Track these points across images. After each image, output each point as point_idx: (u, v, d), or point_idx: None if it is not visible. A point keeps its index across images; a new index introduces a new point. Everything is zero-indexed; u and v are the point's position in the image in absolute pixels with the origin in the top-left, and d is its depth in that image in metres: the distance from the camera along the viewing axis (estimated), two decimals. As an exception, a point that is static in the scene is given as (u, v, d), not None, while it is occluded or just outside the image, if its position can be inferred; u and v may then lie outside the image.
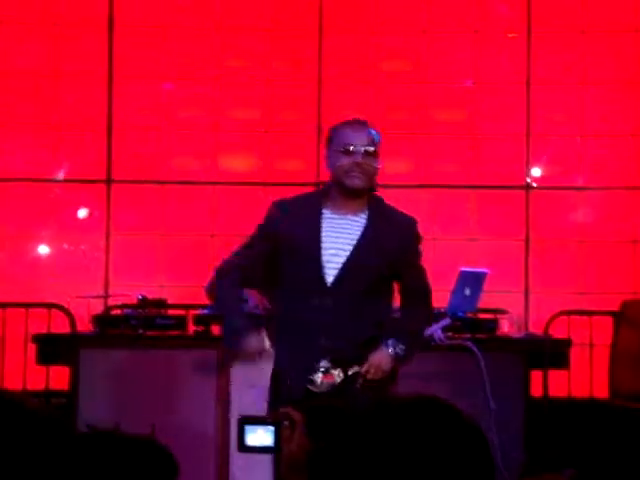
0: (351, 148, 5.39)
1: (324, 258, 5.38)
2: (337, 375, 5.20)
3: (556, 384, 8.48)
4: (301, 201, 5.67)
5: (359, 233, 5.43)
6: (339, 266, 5.36)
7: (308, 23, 9.96)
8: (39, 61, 9.85)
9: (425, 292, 5.67)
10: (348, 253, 5.39)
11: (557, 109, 9.94)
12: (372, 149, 5.42)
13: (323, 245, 5.40)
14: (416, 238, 5.64)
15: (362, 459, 2.16)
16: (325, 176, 5.93)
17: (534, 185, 9.91)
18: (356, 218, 5.47)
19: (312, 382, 5.18)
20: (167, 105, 9.92)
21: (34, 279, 9.67)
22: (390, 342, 5.34)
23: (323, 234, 5.43)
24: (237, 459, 6.66)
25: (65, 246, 9.78)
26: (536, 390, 7.91)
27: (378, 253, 5.41)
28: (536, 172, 9.93)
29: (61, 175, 9.87)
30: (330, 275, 5.35)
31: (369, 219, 5.48)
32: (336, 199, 5.47)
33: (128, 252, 9.84)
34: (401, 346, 5.32)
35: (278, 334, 5.56)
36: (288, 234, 5.43)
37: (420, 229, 5.71)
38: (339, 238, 5.44)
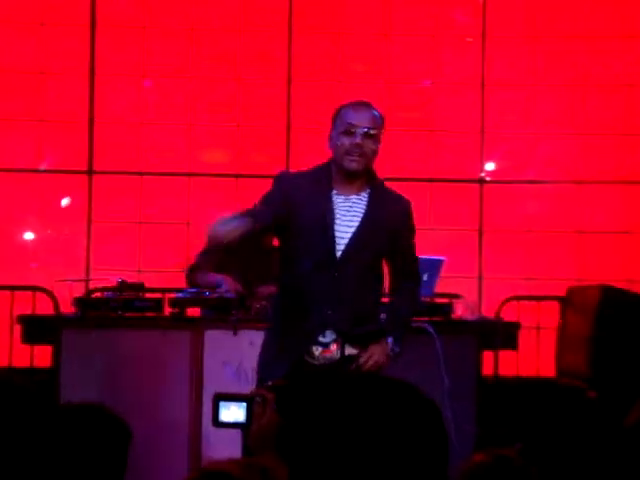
0: (352, 129, 5.29)
1: (336, 234, 5.31)
2: (335, 352, 5.15)
3: (506, 364, 8.53)
4: (309, 178, 5.52)
5: (363, 212, 5.37)
6: (347, 242, 5.30)
7: (278, 24, 9.96)
8: (25, 58, 9.82)
9: (418, 273, 5.66)
10: (354, 229, 5.33)
11: (509, 109, 9.98)
12: (373, 131, 5.32)
13: (334, 223, 5.32)
14: (412, 217, 5.57)
15: (323, 434, 2.18)
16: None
17: (487, 179, 9.96)
18: (359, 198, 5.40)
19: (310, 352, 5.15)
20: (145, 101, 9.91)
21: (19, 264, 9.65)
22: (390, 340, 5.30)
23: (334, 214, 5.35)
24: (209, 435, 6.67)
25: (49, 232, 9.78)
26: (487, 369, 7.91)
27: (381, 230, 5.37)
28: (489, 167, 9.98)
29: (44, 166, 9.87)
30: (339, 250, 5.30)
31: (370, 198, 5.41)
32: (340, 180, 5.39)
33: (108, 239, 9.83)
34: (398, 346, 5.32)
35: (280, 302, 5.52)
36: (300, 210, 5.34)
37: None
38: (346, 217, 5.36)
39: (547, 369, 8.89)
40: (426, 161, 9.96)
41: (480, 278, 9.83)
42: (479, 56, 9.98)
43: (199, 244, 7.83)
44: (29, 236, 9.84)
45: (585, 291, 8.69)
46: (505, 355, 8.38)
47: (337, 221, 5.36)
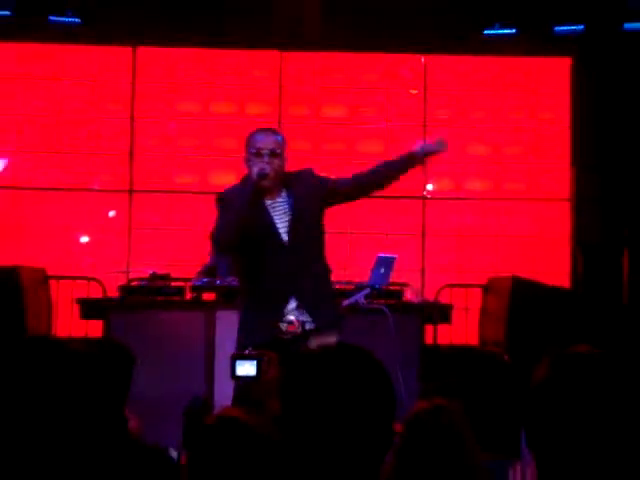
0: (260, 151, 4.89)
1: (279, 229, 4.92)
2: (298, 327, 4.86)
3: (442, 335, 8.56)
4: (240, 191, 4.98)
5: (289, 208, 4.97)
6: (286, 232, 4.91)
7: (271, 93, 10.00)
8: (80, 107, 9.86)
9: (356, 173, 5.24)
10: (288, 223, 4.94)
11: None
12: (278, 151, 4.93)
13: (275, 222, 4.93)
14: (317, 176, 5.17)
15: (305, 388, 2.12)
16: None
17: (428, 196, 9.95)
18: (282, 198, 4.98)
19: (279, 329, 4.88)
20: (171, 138, 9.94)
21: (78, 260, 9.68)
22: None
23: (272, 215, 4.93)
24: (220, 400, 6.52)
25: (99, 236, 9.80)
26: (429, 339, 7.92)
27: (309, 208, 5.01)
28: (429, 187, 9.99)
29: (96, 186, 9.90)
30: (285, 240, 4.91)
31: (288, 194, 4.99)
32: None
33: (144, 241, 9.84)
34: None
35: (248, 289, 5.10)
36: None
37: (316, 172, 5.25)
38: (282, 215, 4.97)
39: (473, 339, 8.97)
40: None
41: (423, 271, 9.79)
42: (422, 103, 9.99)
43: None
44: (84, 239, 9.84)
45: (501, 280, 8.72)
46: (442, 329, 8.36)
47: (275, 220, 4.95)
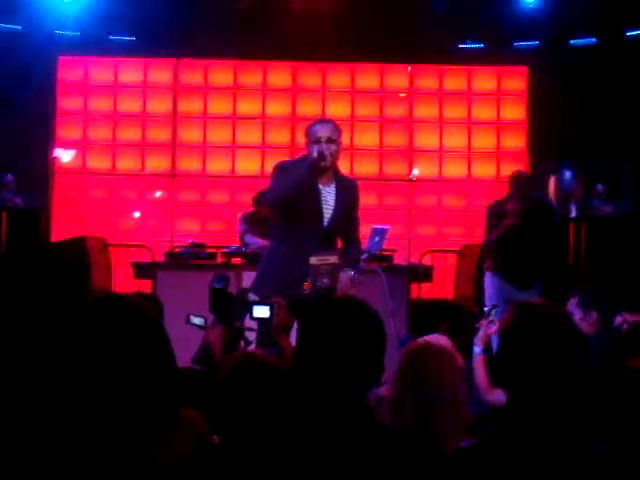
0: (317, 139, 4.68)
1: (324, 212, 4.72)
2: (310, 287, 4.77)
3: (425, 291, 8.67)
4: (299, 165, 4.80)
5: (334, 199, 4.76)
6: (329, 218, 4.71)
7: (287, 95, 10.02)
8: (136, 105, 9.90)
9: (358, 235, 5.06)
10: (331, 211, 4.73)
11: (429, 136, 10.03)
12: (334, 137, 4.71)
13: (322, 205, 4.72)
14: (357, 195, 4.97)
15: (318, 329, 2.14)
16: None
17: (414, 179, 9.90)
18: (330, 187, 4.78)
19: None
20: (207, 131, 9.96)
21: (132, 231, 9.72)
22: (353, 272, 4.63)
23: (322, 199, 4.74)
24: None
25: (149, 212, 9.87)
26: (414, 295, 7.98)
27: (345, 207, 4.79)
28: (415, 172, 9.96)
29: (146, 171, 9.93)
30: (325, 223, 4.71)
31: (337, 187, 4.81)
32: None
33: (184, 216, 9.88)
34: (357, 274, 4.69)
35: (277, 250, 4.85)
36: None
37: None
38: (329, 201, 4.76)
39: (449, 294, 9.00)
40: (380, 167, 9.99)
41: (409, 239, 9.78)
42: (411, 105, 10.00)
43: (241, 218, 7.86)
44: (137, 214, 9.88)
45: (472, 247, 8.72)
46: (425, 286, 8.48)
47: (323, 205, 4.77)
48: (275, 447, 2.03)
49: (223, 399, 2.51)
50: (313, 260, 4.35)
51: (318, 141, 4.69)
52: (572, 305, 4.54)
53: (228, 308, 3.85)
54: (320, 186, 4.79)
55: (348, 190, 4.91)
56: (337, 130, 4.80)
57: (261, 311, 3.85)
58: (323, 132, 4.73)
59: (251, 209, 7.80)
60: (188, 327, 3.96)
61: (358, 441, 2.02)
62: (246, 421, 2.42)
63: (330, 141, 4.70)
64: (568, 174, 9.35)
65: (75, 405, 1.95)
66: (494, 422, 2.28)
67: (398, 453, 2.00)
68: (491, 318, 4.08)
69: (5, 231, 9.09)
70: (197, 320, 3.97)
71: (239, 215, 8.00)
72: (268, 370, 2.52)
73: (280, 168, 4.84)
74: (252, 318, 3.90)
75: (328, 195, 4.82)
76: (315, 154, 4.68)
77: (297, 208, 4.73)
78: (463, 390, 2.99)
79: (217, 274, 4.12)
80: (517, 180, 6.65)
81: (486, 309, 4.16)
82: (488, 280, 6.53)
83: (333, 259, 4.43)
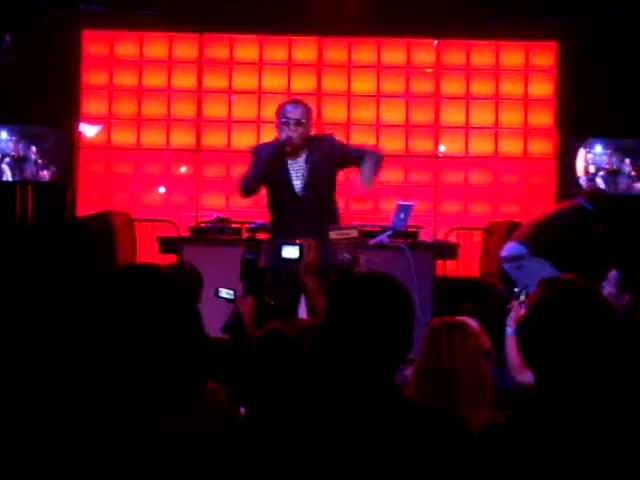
0: (285, 119, 4.85)
1: (294, 184, 4.94)
2: None
3: (450, 268, 8.64)
4: (270, 147, 5.00)
5: (304, 167, 4.95)
6: (300, 186, 4.93)
7: (311, 71, 9.96)
8: (161, 80, 9.90)
9: (366, 150, 5.21)
10: (302, 179, 4.95)
11: (455, 112, 9.95)
12: (303, 120, 4.87)
13: (292, 178, 4.93)
14: (337, 142, 5.14)
15: (347, 303, 2.11)
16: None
17: (440, 155, 9.89)
18: (301, 158, 4.95)
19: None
20: (231, 107, 9.94)
21: (157, 206, 9.74)
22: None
23: (290, 172, 4.93)
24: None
25: (174, 186, 9.87)
26: (439, 272, 7.94)
27: (323, 167, 4.98)
28: (441, 148, 9.94)
29: (172, 146, 9.93)
30: (298, 192, 4.94)
31: (307, 155, 4.95)
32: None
33: (209, 191, 9.88)
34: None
35: (272, 224, 5.16)
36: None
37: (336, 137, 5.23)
38: (298, 172, 4.95)
39: (475, 272, 8.97)
40: (406, 143, 9.93)
41: (435, 216, 9.71)
42: (438, 81, 9.93)
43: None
44: (162, 189, 9.90)
45: (498, 224, 8.72)
46: (450, 263, 8.45)
47: (292, 176, 4.95)
48: (302, 424, 2.02)
49: (248, 375, 2.50)
50: (333, 234, 4.39)
51: (287, 123, 4.86)
52: (611, 279, 4.50)
53: (258, 279, 3.88)
54: (291, 161, 4.96)
55: (321, 149, 5.00)
56: (308, 112, 4.96)
57: (290, 251, 3.88)
58: (292, 114, 4.88)
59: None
60: (214, 301, 3.99)
61: (385, 417, 2.00)
62: (272, 398, 2.41)
63: (298, 123, 4.86)
64: (598, 149, 9.26)
65: (103, 376, 1.95)
66: (523, 399, 2.26)
67: (426, 430, 1.99)
68: (522, 299, 4.06)
69: (31, 205, 9.16)
70: (225, 293, 3.99)
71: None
72: (295, 347, 2.51)
73: (253, 152, 5.10)
74: (281, 259, 3.94)
75: (298, 165, 4.98)
76: (282, 139, 4.86)
77: (271, 188, 5.03)
78: (487, 367, 2.99)
79: (248, 245, 4.16)
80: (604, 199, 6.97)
81: (516, 290, 4.14)
82: (545, 264, 6.49)
83: (353, 233, 4.47)
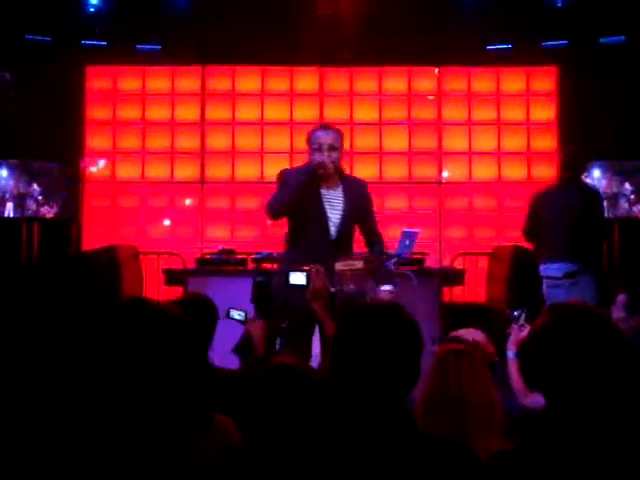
0: (317, 146, 4.69)
1: (328, 218, 4.73)
2: None
3: (456, 295, 8.62)
4: (297, 173, 4.78)
5: (342, 201, 4.77)
6: (337, 224, 4.74)
7: (313, 101, 10.00)
8: (163, 113, 9.94)
9: (378, 230, 5.06)
10: (340, 216, 4.74)
11: (458, 139, 9.98)
12: (336, 145, 4.71)
13: (326, 210, 4.74)
14: (368, 194, 4.95)
15: (353, 334, 2.11)
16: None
17: (444, 181, 9.89)
18: (337, 190, 4.79)
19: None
20: (235, 138, 9.98)
21: (162, 239, 9.74)
22: (391, 285, 4.70)
23: (324, 204, 4.76)
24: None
25: (178, 219, 9.88)
26: (446, 298, 7.95)
27: (355, 209, 4.78)
28: (445, 174, 9.97)
29: (176, 179, 9.95)
30: (332, 232, 4.72)
31: (344, 189, 4.80)
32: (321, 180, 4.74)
33: (214, 223, 9.87)
34: (395, 287, 4.73)
35: (289, 255, 4.84)
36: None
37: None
38: (332, 202, 4.77)
39: (481, 298, 8.94)
40: (409, 170, 9.93)
41: (440, 242, 9.70)
42: (439, 107, 9.97)
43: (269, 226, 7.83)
44: (167, 222, 9.91)
45: (504, 249, 8.70)
46: (456, 289, 8.44)
47: (327, 209, 4.76)
48: (311, 454, 2.02)
49: (258, 405, 2.48)
50: (339, 266, 4.33)
51: (320, 148, 4.69)
52: (619, 302, 4.49)
53: (270, 302, 3.88)
54: (324, 191, 4.77)
55: (357, 190, 4.87)
56: (339, 137, 4.78)
57: (297, 278, 3.85)
58: (325, 139, 4.72)
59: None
60: (224, 327, 3.98)
61: (395, 447, 2.00)
62: (280, 429, 2.39)
63: (332, 149, 4.70)
64: (597, 173, 9.27)
65: (105, 409, 1.94)
66: (531, 426, 2.24)
67: (436, 460, 1.98)
68: (521, 322, 4.05)
69: (37, 241, 9.18)
70: (237, 314, 3.99)
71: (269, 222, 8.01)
72: (302, 379, 2.50)
73: (281, 176, 4.83)
74: (288, 286, 3.90)
75: (334, 199, 4.80)
76: (315, 161, 4.66)
77: (301, 215, 4.75)
78: (495, 392, 2.97)
79: (259, 270, 4.19)
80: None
81: (516, 313, 4.12)
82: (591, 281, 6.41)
83: (359, 264, 4.42)
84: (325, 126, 4.98)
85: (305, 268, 3.88)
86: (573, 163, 6.76)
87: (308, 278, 3.81)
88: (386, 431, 2.02)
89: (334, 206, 4.80)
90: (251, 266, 7.43)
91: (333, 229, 4.78)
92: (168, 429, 1.95)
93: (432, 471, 1.96)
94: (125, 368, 1.95)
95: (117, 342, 1.97)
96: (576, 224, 6.47)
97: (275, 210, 4.75)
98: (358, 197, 4.88)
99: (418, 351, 2.13)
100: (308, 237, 4.76)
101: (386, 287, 4.62)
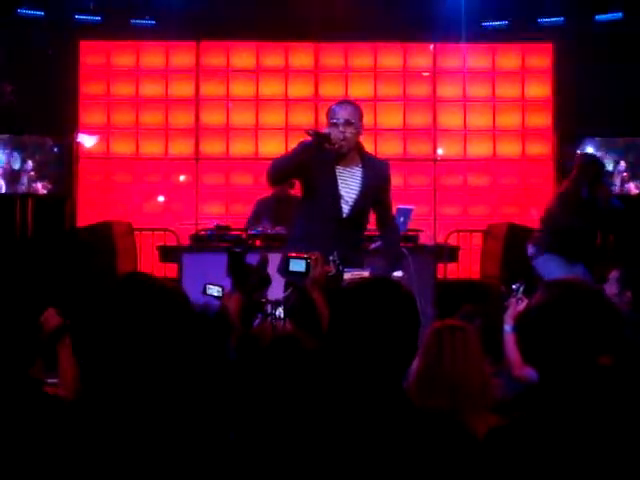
0: (335, 120, 4.52)
1: (341, 198, 4.55)
2: (333, 269, 4.59)
3: (451, 271, 8.62)
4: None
5: (360, 181, 4.58)
6: (351, 204, 4.55)
7: (309, 77, 9.96)
8: (158, 89, 9.90)
9: (393, 216, 4.96)
10: (356, 195, 4.55)
11: (453, 117, 9.97)
12: (352, 120, 4.52)
13: (339, 190, 4.56)
14: (390, 175, 4.73)
15: (351, 309, 2.11)
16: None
17: (438, 158, 9.90)
18: (355, 169, 4.60)
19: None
20: (229, 114, 9.95)
21: (157, 215, 9.74)
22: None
23: (338, 182, 4.57)
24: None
25: (173, 195, 9.87)
26: (440, 274, 7.93)
27: (373, 190, 4.58)
28: (440, 151, 9.96)
29: (171, 155, 9.92)
30: (344, 212, 4.54)
31: (363, 168, 4.60)
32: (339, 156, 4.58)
33: (209, 199, 9.88)
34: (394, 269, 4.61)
35: (296, 233, 4.72)
36: (312, 174, 4.56)
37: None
38: (347, 184, 4.59)
39: (475, 274, 8.96)
40: (404, 147, 9.93)
41: (435, 219, 9.74)
42: (433, 84, 9.96)
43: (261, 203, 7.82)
44: (161, 198, 9.91)
45: (498, 226, 8.74)
46: (451, 266, 8.44)
47: (341, 187, 4.59)
48: (308, 430, 2.02)
49: (258, 381, 2.49)
50: (347, 276, 4.17)
51: (336, 124, 4.53)
52: (613, 278, 4.53)
53: (246, 275, 3.77)
54: (340, 168, 4.62)
55: (376, 170, 4.72)
56: (357, 112, 4.63)
57: (297, 265, 3.79)
58: (341, 114, 4.56)
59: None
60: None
61: (392, 422, 2.00)
62: (281, 402, 2.40)
63: (348, 123, 4.54)
64: (591, 150, 9.26)
65: (101, 382, 1.96)
66: (525, 402, 2.24)
67: (431, 435, 1.98)
68: (519, 296, 4.06)
69: (31, 217, 9.15)
70: (214, 290, 3.90)
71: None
72: (303, 353, 2.50)
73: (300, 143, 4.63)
74: (287, 273, 3.86)
75: (350, 178, 4.65)
76: (329, 134, 4.48)
77: (312, 190, 4.64)
78: (488, 369, 2.99)
79: (237, 241, 4.06)
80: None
81: (514, 287, 4.12)
82: (551, 263, 6.39)
83: (365, 274, 4.29)
84: (343, 101, 4.83)
85: (304, 256, 3.80)
86: None
87: (307, 266, 3.75)
88: (383, 406, 2.01)
89: (349, 185, 4.65)
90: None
91: (346, 207, 4.61)
92: (161, 398, 1.96)
93: (427, 445, 1.96)
94: (123, 339, 1.97)
95: (116, 315, 1.99)
96: None
97: (273, 171, 4.60)
98: (377, 177, 4.70)
99: (416, 326, 2.13)
100: (316, 213, 4.62)
101: (397, 273, 4.58)
